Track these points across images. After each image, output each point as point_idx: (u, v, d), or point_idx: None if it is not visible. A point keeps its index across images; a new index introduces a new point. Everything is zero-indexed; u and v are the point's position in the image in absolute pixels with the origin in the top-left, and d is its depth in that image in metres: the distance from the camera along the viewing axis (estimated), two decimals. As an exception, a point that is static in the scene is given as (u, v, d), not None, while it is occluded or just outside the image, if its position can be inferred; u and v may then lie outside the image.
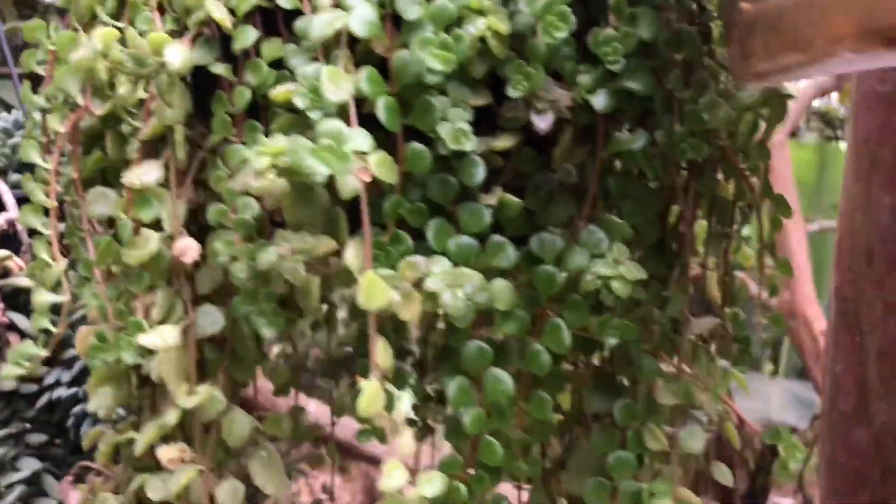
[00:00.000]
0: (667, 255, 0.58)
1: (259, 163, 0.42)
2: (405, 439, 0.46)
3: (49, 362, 1.06)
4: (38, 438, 0.87)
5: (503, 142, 0.48)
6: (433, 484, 0.46)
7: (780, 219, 0.57)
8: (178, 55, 0.47)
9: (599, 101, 0.48)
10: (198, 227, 0.55)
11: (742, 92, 0.52)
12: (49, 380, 0.86)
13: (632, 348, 0.54)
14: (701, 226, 0.62)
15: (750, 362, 0.59)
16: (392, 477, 0.44)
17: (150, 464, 0.56)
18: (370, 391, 0.44)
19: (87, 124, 0.57)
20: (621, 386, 0.58)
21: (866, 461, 0.72)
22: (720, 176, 0.59)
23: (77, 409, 0.85)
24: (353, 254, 0.45)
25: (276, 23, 0.50)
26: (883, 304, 0.71)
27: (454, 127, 0.45)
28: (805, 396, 2.48)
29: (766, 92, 0.52)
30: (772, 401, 2.57)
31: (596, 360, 0.60)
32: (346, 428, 0.81)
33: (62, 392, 0.86)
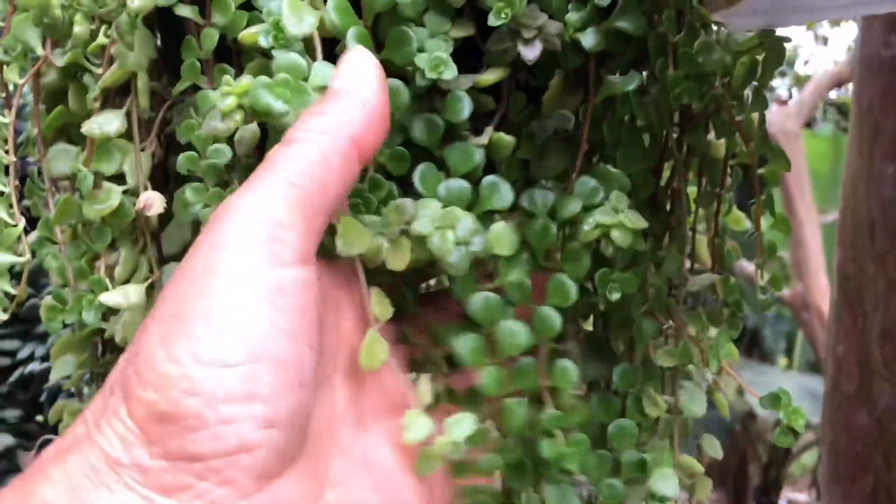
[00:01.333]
0: (661, 212, 0.55)
1: (224, 103, 0.39)
2: (422, 386, 0.42)
3: (22, 337, 1.01)
4: (11, 414, 0.83)
5: (490, 75, 0.45)
6: (462, 425, 0.42)
7: (777, 175, 0.55)
8: (140, -8, 0.44)
9: (589, 39, 0.46)
10: (161, 182, 0.52)
11: (736, 35, 0.50)
12: (22, 354, 0.82)
13: (632, 307, 0.51)
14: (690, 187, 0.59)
15: (739, 326, 0.56)
16: (415, 428, 0.40)
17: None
18: (370, 341, 0.40)
19: (49, 79, 0.54)
20: (615, 351, 0.55)
21: (869, 445, 0.70)
22: (711, 134, 0.57)
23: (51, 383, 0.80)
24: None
25: (248, -40, 0.47)
26: (886, 282, 0.68)
27: (432, 55, 0.42)
28: (818, 390, 2.48)
29: (762, 34, 0.50)
30: (783, 395, 2.55)
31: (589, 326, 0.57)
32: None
33: (35, 367, 0.81)
